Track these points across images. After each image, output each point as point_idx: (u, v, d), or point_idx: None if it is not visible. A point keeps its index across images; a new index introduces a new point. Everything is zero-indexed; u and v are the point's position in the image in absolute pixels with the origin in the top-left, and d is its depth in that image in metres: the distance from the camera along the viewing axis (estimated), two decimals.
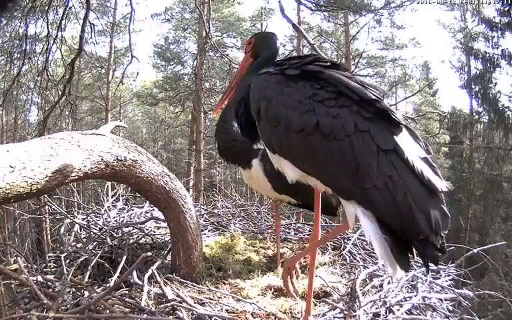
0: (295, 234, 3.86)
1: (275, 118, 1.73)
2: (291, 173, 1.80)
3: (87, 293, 2.22)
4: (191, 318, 2.05)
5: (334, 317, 2.16)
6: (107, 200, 3.93)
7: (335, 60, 2.15)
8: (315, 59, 1.91)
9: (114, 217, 3.59)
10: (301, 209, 3.78)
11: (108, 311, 2.05)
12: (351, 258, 3.21)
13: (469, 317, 2.66)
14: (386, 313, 2.25)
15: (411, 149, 1.58)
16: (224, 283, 2.62)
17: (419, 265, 3.00)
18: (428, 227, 1.47)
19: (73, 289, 2.32)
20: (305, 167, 1.74)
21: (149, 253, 2.74)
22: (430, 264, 1.57)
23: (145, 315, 1.96)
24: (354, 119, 1.61)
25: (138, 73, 10.00)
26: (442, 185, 1.54)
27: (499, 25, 13.78)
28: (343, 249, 3.31)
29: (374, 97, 1.65)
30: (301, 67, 1.81)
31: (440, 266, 3.05)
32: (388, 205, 1.50)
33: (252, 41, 2.23)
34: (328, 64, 1.85)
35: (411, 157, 1.55)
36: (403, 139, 1.60)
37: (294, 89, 1.74)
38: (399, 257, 1.53)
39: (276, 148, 1.80)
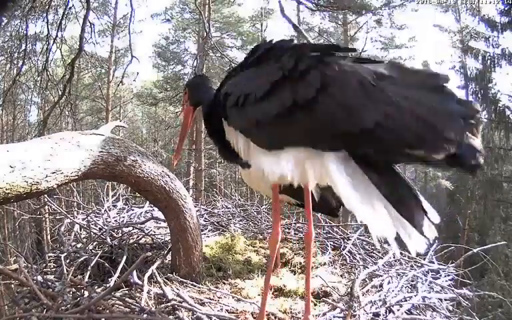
0: (294, 234, 3.86)
1: (250, 119, 1.68)
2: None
3: (86, 293, 2.22)
4: (191, 318, 2.05)
5: (334, 317, 2.17)
6: (107, 200, 3.93)
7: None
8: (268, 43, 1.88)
9: (114, 217, 3.59)
10: (301, 209, 3.78)
11: (108, 311, 2.05)
12: (351, 258, 3.21)
13: (468, 317, 2.66)
14: (386, 313, 2.25)
15: (397, 71, 1.40)
16: (224, 283, 2.62)
17: (419, 264, 3.01)
18: (451, 129, 1.24)
19: (73, 289, 2.32)
20: (307, 143, 1.56)
21: (149, 253, 2.75)
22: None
23: (145, 315, 1.96)
24: (319, 69, 1.46)
25: (138, 73, 10.02)
26: (442, 80, 1.34)
27: (499, 25, 13.79)
28: (343, 249, 3.31)
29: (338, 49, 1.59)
30: (256, 54, 1.80)
31: (440, 266, 3.06)
32: (401, 129, 1.28)
33: (186, 91, 2.34)
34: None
35: (401, 76, 1.38)
36: (385, 67, 1.43)
37: (254, 78, 1.70)
38: (409, 213, 1.32)
39: (270, 145, 1.69)
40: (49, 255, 3.00)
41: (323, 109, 1.44)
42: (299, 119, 1.51)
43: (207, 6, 11.49)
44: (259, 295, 2.43)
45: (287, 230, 3.94)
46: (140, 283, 2.24)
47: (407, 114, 1.29)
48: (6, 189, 1.68)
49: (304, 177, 1.65)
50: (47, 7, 5.67)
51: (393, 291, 2.50)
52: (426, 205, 1.38)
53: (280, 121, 1.55)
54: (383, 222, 1.36)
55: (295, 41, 1.93)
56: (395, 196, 1.36)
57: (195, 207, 3.31)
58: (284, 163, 1.63)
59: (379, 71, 1.39)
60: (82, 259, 2.68)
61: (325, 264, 3.05)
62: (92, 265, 2.55)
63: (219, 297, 2.34)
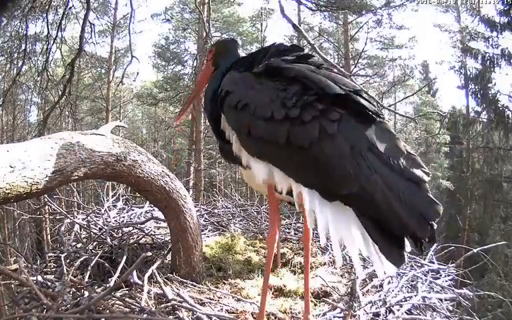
0: (294, 234, 3.86)
1: (244, 126, 1.72)
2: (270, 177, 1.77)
3: (86, 293, 2.22)
4: (191, 318, 2.05)
5: (334, 317, 2.17)
6: (107, 200, 3.93)
7: (306, 51, 2.07)
8: (280, 49, 1.86)
9: (114, 217, 3.59)
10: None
11: (108, 311, 2.05)
12: (351, 257, 3.20)
13: (468, 317, 2.66)
14: (386, 313, 2.26)
15: (387, 143, 1.48)
16: (224, 283, 2.63)
17: (419, 264, 3.01)
18: (415, 221, 1.38)
19: (73, 289, 2.32)
20: (287, 172, 1.70)
21: (149, 253, 2.75)
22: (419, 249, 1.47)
23: (144, 315, 1.96)
24: (319, 121, 1.51)
25: (138, 73, 10.06)
26: (423, 175, 1.44)
27: (499, 25, 13.78)
28: (343, 249, 3.31)
29: (345, 91, 1.56)
30: (266, 62, 1.77)
31: (440, 266, 3.06)
32: (369, 207, 1.43)
33: (212, 49, 2.21)
34: (295, 56, 1.79)
35: (390, 152, 1.46)
36: (378, 134, 1.50)
37: (258, 91, 1.70)
38: (387, 251, 1.42)
39: (255, 155, 1.77)
40: (49, 254, 3.00)
41: (311, 158, 1.54)
42: (287, 155, 1.61)
43: (206, 5, 11.49)
44: (258, 294, 2.43)
45: (287, 230, 3.94)
46: (140, 282, 2.24)
47: (380, 196, 1.40)
48: (6, 189, 1.68)
49: (289, 186, 1.74)
50: (46, 7, 5.66)
51: (392, 290, 2.50)
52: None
53: (271, 144, 1.64)
54: (355, 245, 1.51)
55: (306, 50, 1.93)
56: (373, 225, 1.45)
57: (195, 207, 3.31)
58: (270, 172, 1.74)
59: (373, 140, 1.47)
60: (82, 258, 2.68)
61: (324, 264, 3.05)
62: (92, 264, 2.56)
63: (219, 297, 2.34)
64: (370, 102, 1.59)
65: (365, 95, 1.61)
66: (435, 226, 1.40)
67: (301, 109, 1.55)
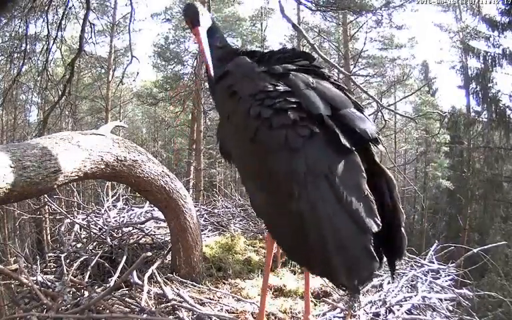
0: None
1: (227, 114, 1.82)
2: None
3: (86, 293, 2.22)
4: (191, 318, 2.06)
5: (334, 317, 2.17)
6: (107, 200, 3.93)
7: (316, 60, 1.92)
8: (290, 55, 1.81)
9: (114, 217, 3.59)
10: None
11: (108, 311, 2.05)
12: None
13: (468, 317, 2.66)
14: (386, 313, 2.26)
15: (349, 180, 1.38)
16: (224, 283, 2.63)
17: (419, 264, 3.01)
18: (343, 270, 1.32)
19: (73, 289, 2.32)
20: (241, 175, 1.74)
21: (149, 253, 2.74)
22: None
23: (144, 315, 1.96)
24: (287, 131, 1.44)
25: (138, 73, 10.04)
26: (373, 224, 1.33)
27: (500, 24, 13.78)
28: None
29: (331, 111, 1.47)
30: (268, 64, 1.73)
31: (440, 266, 3.06)
32: (295, 244, 1.41)
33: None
34: (304, 65, 1.72)
35: (347, 187, 1.36)
36: (344, 167, 1.39)
37: (251, 81, 1.67)
38: None
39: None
40: (49, 254, 3.00)
41: (266, 165, 1.52)
42: (248, 158, 1.67)
43: (206, 4, 11.46)
44: (258, 294, 2.43)
45: None
46: (140, 282, 2.24)
47: (314, 233, 1.35)
48: (6, 189, 1.68)
49: None
50: (46, 7, 5.66)
51: (392, 290, 2.50)
52: None
53: (239, 141, 1.71)
54: None
55: (316, 60, 1.86)
56: None
57: (195, 207, 3.31)
58: None
59: (334, 171, 1.38)
60: (82, 258, 2.69)
61: None
62: (92, 265, 2.56)
63: (219, 297, 2.34)
64: (361, 126, 1.46)
65: (354, 120, 1.48)
66: (362, 281, 1.36)
67: (274, 111, 1.51)
